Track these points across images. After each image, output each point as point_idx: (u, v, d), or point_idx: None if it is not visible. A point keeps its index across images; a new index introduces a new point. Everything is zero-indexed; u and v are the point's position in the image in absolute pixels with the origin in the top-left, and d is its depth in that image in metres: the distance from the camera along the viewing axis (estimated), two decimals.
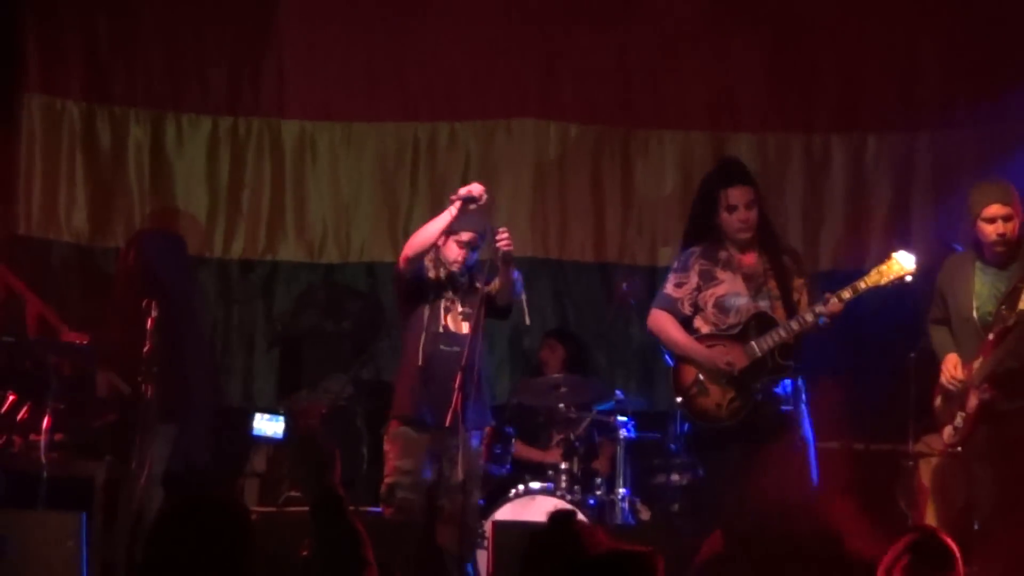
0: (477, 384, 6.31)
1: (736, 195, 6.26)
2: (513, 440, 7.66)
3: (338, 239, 8.65)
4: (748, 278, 6.23)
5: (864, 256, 8.21)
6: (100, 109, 8.54)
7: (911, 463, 7.04)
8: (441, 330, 6.41)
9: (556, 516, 3.85)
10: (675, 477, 7.54)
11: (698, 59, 8.53)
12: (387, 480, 6.37)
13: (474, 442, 6.37)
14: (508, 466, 7.55)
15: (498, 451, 7.47)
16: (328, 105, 8.69)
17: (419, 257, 6.35)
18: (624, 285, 7.89)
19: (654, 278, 8.11)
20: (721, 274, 6.25)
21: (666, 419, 7.60)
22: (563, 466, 7.45)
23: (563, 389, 7.66)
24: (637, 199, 8.66)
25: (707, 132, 8.58)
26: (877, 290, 6.11)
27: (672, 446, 7.58)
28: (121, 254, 7.60)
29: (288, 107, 8.65)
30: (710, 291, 6.25)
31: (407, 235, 7.16)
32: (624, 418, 7.56)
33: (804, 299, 6.22)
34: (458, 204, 6.29)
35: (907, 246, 7.41)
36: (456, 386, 6.05)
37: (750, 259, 6.26)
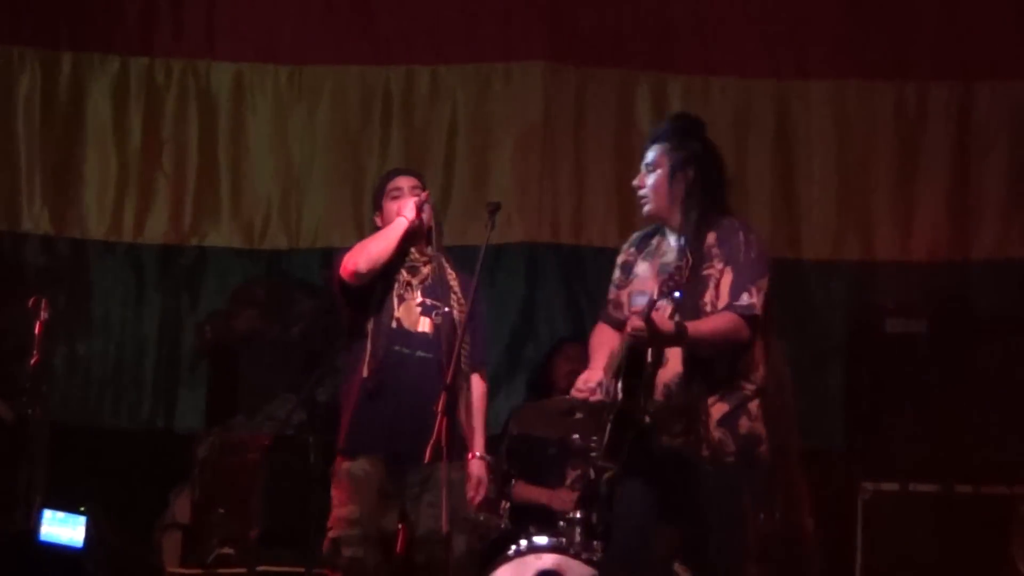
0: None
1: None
2: (512, 481, 7.04)
3: (286, 219, 8.10)
4: (662, 269, 5.35)
5: (972, 242, 7.73)
6: None
7: None
8: (393, 325, 5.81)
9: None
10: None
11: None
12: (329, 534, 5.80)
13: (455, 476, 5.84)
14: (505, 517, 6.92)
15: (492, 495, 6.73)
16: (272, 43, 8.12)
17: (377, 270, 5.83)
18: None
19: None
20: (640, 265, 5.43)
21: None
22: (577, 515, 6.54)
23: (579, 414, 6.69)
24: None
25: (768, 79, 7.99)
26: None
27: None
28: None
29: (220, 45, 8.10)
30: (626, 290, 5.48)
31: None
32: None
33: (720, 291, 5.18)
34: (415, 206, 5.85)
35: None
36: (439, 408, 5.40)
37: (672, 243, 5.43)
